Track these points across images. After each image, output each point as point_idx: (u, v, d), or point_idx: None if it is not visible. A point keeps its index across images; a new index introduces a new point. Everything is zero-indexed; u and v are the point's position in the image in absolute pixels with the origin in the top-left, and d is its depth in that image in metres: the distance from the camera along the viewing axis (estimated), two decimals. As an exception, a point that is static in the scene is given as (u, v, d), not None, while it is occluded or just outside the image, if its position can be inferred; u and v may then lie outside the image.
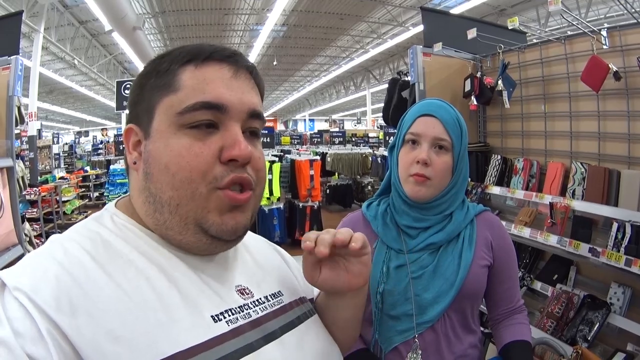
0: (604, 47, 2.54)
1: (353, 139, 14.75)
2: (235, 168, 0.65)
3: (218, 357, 0.59)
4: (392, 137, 1.45)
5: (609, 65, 2.42)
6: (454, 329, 1.22)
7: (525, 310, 1.36)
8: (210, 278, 0.68)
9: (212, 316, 0.63)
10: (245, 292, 0.72)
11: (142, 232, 0.67)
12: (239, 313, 0.67)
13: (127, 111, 0.73)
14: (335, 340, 0.83)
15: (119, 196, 0.77)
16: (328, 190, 10.60)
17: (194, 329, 0.60)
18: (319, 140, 14.72)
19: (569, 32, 2.95)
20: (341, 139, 13.56)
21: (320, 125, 36.28)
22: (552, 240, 2.55)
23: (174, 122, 0.64)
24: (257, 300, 0.72)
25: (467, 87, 3.45)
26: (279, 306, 0.75)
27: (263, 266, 0.81)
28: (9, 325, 0.51)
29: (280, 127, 36.71)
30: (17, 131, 3.17)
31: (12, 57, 3.17)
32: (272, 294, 0.76)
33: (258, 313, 0.70)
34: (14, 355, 0.48)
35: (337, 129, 22.63)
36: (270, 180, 6.91)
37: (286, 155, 8.43)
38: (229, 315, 0.65)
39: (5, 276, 0.56)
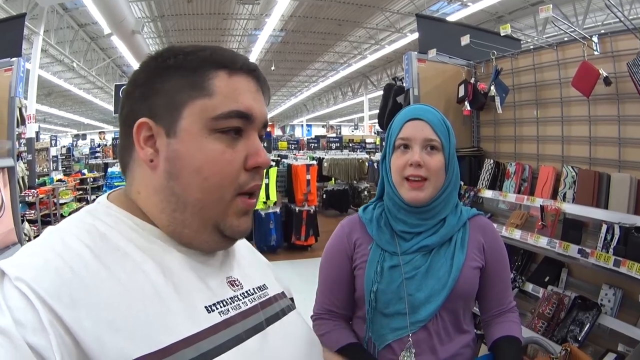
0: (595, 52, 2.57)
1: (350, 145, 14.77)
2: (255, 175, 0.71)
3: (211, 347, 0.61)
4: (387, 143, 1.49)
5: (600, 71, 2.45)
6: (446, 328, 1.24)
7: (517, 311, 1.39)
8: (204, 270, 0.70)
9: (205, 307, 0.65)
10: (235, 284, 0.74)
11: (138, 225, 0.68)
12: (230, 304, 0.69)
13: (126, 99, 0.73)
14: None
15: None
16: (325, 195, 10.61)
17: (189, 320, 0.61)
18: (316, 145, 14.73)
19: (565, 39, 2.98)
20: (338, 145, 13.56)
21: (318, 130, 36.25)
22: (542, 242, 2.57)
23: (207, 126, 0.67)
24: (247, 291, 0.75)
25: (461, 93, 3.48)
26: (265, 298, 0.77)
27: (248, 260, 0.85)
28: (10, 315, 0.51)
29: (277, 132, 36.65)
30: (17, 132, 3.20)
31: (14, 59, 3.20)
32: (258, 286, 0.79)
33: (247, 304, 0.72)
34: (15, 345, 0.48)
35: (334, 135, 22.61)
36: (267, 185, 6.93)
37: (283, 159, 8.45)
38: (222, 307, 0.67)
39: (5, 266, 0.56)
